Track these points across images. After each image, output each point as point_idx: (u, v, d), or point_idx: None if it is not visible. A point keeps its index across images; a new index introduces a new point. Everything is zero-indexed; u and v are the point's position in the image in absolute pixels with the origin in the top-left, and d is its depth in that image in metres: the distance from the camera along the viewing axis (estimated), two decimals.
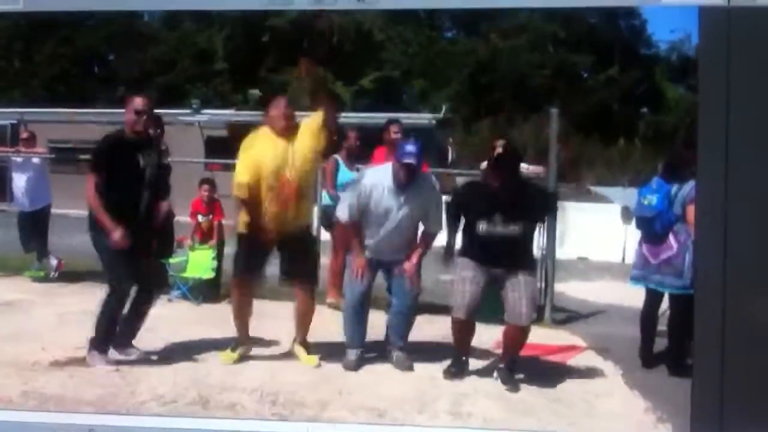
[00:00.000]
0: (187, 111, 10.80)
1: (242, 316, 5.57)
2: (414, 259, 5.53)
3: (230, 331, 6.00)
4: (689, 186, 5.50)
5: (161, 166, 5.59)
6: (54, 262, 8.12)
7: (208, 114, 10.93)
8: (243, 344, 5.56)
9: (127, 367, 5.26)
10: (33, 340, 5.65)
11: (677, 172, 5.75)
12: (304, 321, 5.57)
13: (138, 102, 5.34)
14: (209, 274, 7.42)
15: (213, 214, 7.70)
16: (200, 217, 7.68)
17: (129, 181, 5.31)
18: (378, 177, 5.57)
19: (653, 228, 5.80)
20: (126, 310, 5.43)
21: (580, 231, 8.42)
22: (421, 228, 5.61)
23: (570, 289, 8.05)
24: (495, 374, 5.27)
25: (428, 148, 5.63)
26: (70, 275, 7.94)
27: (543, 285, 7.22)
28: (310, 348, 5.55)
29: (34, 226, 8.32)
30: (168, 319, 6.25)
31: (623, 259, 8.80)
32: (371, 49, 16.34)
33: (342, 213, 5.83)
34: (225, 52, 15.70)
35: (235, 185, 5.41)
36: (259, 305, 5.70)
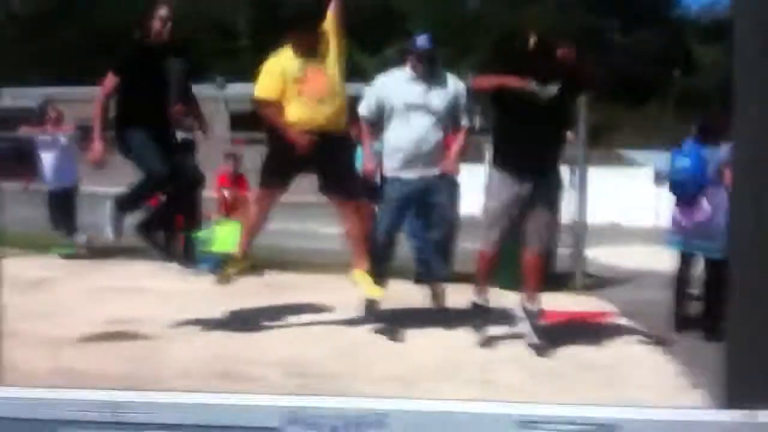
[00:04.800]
0: (212, 86, 10.84)
1: (253, 231, 5.52)
2: (452, 155, 5.52)
3: (257, 303, 6.05)
4: (724, 148, 5.46)
5: (186, 74, 5.58)
6: (83, 239, 8.18)
7: (233, 89, 10.95)
8: (243, 260, 5.54)
9: (155, 341, 5.26)
10: (62, 317, 5.66)
11: (711, 134, 5.71)
12: (356, 241, 5.38)
13: (162, 9, 5.31)
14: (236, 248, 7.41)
15: (238, 188, 7.69)
16: (226, 192, 7.68)
17: (152, 87, 5.32)
18: (394, 74, 5.59)
19: (687, 191, 5.80)
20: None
21: (610, 196, 8.39)
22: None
23: (601, 255, 7.99)
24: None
25: None
26: (98, 252, 7.97)
27: (574, 251, 7.16)
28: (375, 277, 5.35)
29: (63, 204, 8.41)
30: (194, 293, 6.25)
31: (655, 224, 8.73)
32: (395, 19, 16.29)
33: (362, 108, 5.65)
34: (248, 28, 15.74)
35: (258, 103, 5.33)
36: (282, 277, 5.68)
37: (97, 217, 5.55)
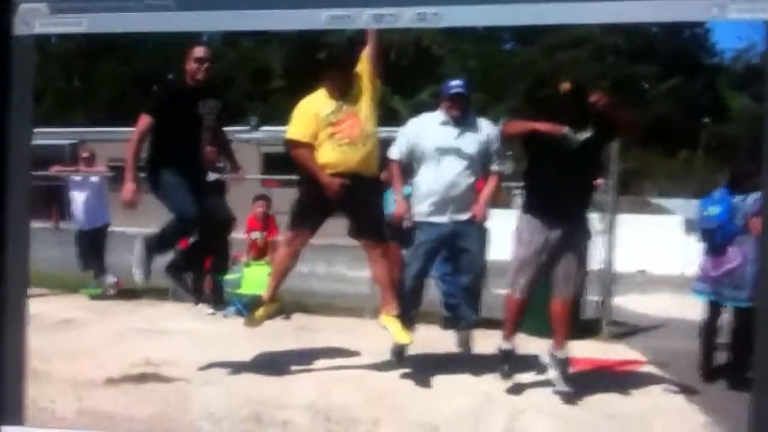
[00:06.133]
0: (245, 128, 10.92)
1: (282, 274, 5.44)
2: (482, 201, 5.51)
3: (285, 346, 6.06)
4: (753, 197, 5.42)
5: (220, 114, 5.53)
6: (112, 280, 8.25)
7: (266, 131, 11.03)
8: (272, 304, 5.48)
9: (182, 383, 5.26)
10: (89, 358, 5.69)
11: (742, 182, 5.64)
12: (385, 285, 5.34)
13: (199, 50, 5.34)
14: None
15: (268, 231, 7.72)
16: (255, 234, 7.71)
17: (185, 127, 5.31)
18: (426, 117, 5.62)
19: (716, 240, 5.72)
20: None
21: (639, 243, 8.31)
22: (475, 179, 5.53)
23: (629, 303, 7.93)
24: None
25: None
26: (127, 293, 8.07)
27: (601, 298, 7.09)
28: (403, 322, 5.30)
29: (93, 244, 8.49)
30: (223, 336, 6.29)
31: (683, 272, 8.64)
32: (429, 64, 16.35)
33: (393, 152, 5.68)
34: (282, 70, 15.83)
35: (290, 144, 5.29)
36: (310, 320, 5.65)
37: (127, 258, 5.55)
